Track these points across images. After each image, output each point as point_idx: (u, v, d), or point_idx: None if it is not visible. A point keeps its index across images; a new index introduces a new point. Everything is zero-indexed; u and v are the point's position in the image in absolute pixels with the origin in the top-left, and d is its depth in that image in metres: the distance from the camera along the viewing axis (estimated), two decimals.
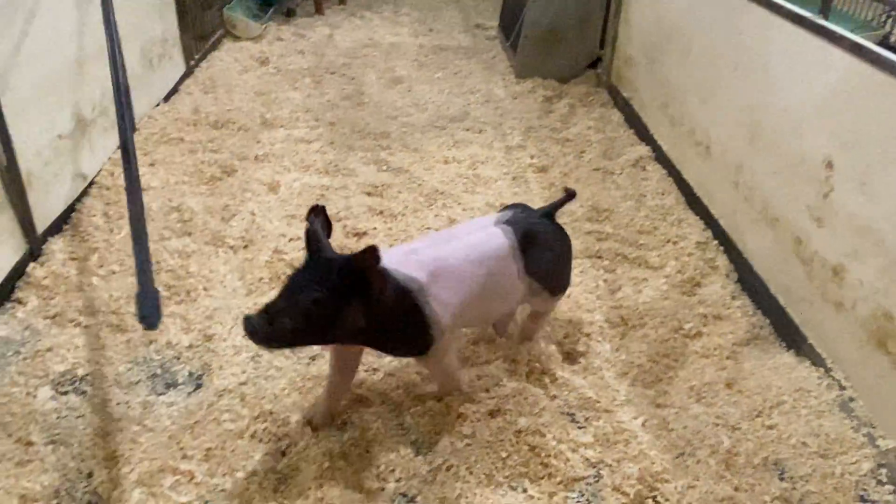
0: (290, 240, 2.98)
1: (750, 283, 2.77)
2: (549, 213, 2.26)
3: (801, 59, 2.52)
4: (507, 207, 2.27)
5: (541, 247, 2.13)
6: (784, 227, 2.61)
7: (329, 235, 1.87)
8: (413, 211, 3.29)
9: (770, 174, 2.72)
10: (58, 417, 2.09)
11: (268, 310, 1.70)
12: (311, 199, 3.35)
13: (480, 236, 2.06)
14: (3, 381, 2.20)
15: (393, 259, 1.88)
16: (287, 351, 2.36)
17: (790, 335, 2.52)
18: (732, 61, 3.04)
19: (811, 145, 2.45)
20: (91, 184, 3.21)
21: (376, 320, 1.79)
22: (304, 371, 2.32)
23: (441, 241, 2.02)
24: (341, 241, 2.97)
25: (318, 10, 6.43)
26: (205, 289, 2.68)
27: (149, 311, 1.76)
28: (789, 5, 2.64)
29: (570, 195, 2.28)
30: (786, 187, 2.61)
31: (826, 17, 2.59)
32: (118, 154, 3.44)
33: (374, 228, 3.12)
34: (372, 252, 1.68)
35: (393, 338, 1.91)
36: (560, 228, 2.27)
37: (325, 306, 1.70)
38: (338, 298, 1.71)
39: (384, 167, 3.72)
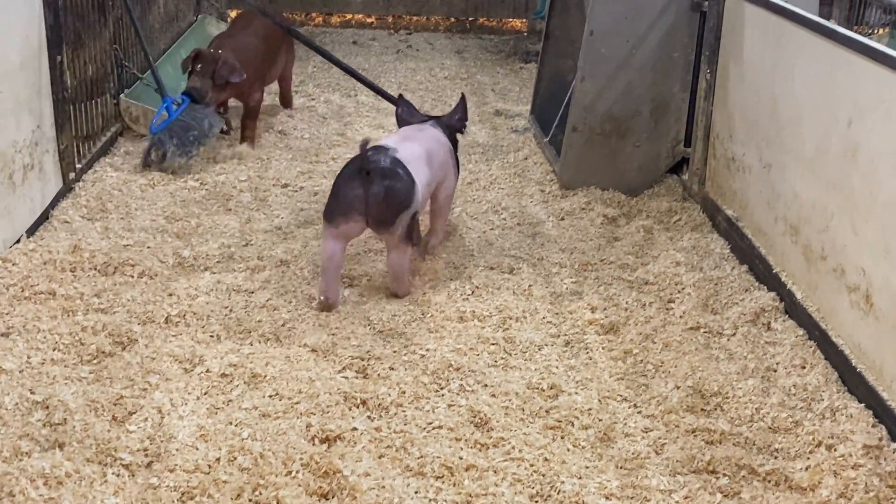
0: (217, 457, 2.90)
1: None
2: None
3: None
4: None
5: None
6: None
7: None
8: (413, 399, 3.27)
9: None
10: None
11: None
12: (252, 386, 3.31)
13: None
14: None
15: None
16: None
17: None
18: None
19: None
20: None
21: None
22: None
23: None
24: (304, 448, 2.93)
25: (247, 140, 5.78)
26: None
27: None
28: None
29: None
30: None
31: None
32: None
33: (354, 430, 3.07)
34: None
35: None
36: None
37: None
38: None
39: (368, 329, 3.73)
